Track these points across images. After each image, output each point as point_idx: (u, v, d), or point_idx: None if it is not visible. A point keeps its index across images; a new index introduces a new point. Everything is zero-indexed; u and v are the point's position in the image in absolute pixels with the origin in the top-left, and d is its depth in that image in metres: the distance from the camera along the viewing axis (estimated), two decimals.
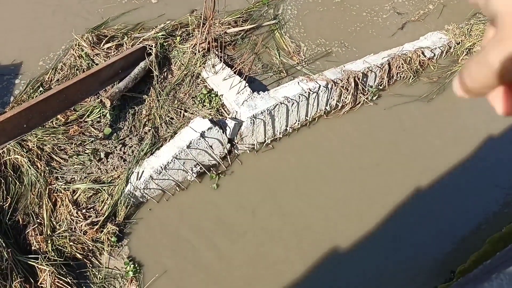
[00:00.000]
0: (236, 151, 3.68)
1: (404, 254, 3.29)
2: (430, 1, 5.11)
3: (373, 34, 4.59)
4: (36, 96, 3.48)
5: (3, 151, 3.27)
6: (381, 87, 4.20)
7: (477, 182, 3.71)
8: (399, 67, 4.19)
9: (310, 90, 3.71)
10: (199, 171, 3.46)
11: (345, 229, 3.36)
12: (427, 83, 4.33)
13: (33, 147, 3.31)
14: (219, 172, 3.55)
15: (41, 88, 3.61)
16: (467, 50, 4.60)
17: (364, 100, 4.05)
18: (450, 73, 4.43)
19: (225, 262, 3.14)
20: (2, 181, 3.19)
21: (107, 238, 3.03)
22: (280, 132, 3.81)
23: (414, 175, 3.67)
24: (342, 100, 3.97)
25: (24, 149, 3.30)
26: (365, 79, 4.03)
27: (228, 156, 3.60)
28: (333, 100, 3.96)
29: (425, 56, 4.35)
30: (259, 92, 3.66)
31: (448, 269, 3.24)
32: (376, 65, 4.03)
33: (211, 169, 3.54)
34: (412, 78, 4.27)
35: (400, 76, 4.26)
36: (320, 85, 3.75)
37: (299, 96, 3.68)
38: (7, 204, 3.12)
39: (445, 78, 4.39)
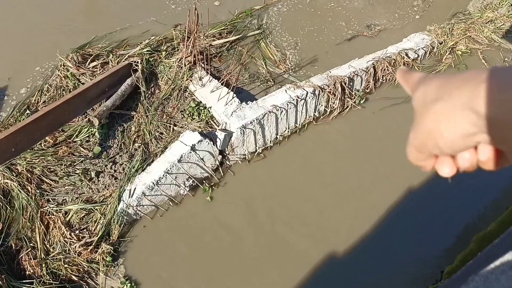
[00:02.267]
0: (228, 162, 3.68)
1: (398, 258, 3.29)
2: (409, 16, 5.19)
3: (322, 41, 4.63)
4: (23, 119, 3.45)
5: None
6: (367, 91, 4.23)
7: (468, 182, 3.73)
8: (384, 69, 4.23)
9: (298, 97, 3.73)
10: (192, 184, 3.45)
11: (336, 239, 3.36)
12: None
13: (23, 170, 3.27)
14: (212, 184, 3.54)
15: (28, 111, 3.59)
16: (450, 49, 4.67)
17: (351, 104, 4.07)
18: (435, 73, 4.48)
19: (220, 279, 3.12)
20: None
21: (102, 258, 3.00)
22: (270, 141, 3.82)
23: (407, 177, 3.69)
24: (330, 105, 4.00)
25: (13, 173, 3.26)
26: (351, 84, 4.06)
27: (220, 168, 3.59)
28: (321, 106, 3.98)
29: (409, 58, 4.40)
30: (248, 102, 3.67)
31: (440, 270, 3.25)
32: (361, 69, 4.06)
33: (204, 181, 3.53)
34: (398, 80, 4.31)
35: (386, 79, 4.31)
36: (307, 92, 3.77)
37: (288, 104, 3.70)
38: None
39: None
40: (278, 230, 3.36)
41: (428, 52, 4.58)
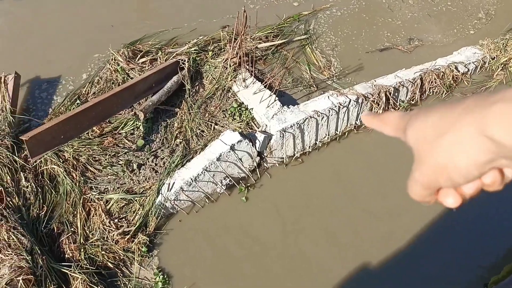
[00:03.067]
0: (265, 164, 3.69)
1: (439, 271, 3.19)
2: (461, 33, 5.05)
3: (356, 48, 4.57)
4: (73, 108, 3.60)
5: (41, 161, 3.38)
6: (413, 102, 4.14)
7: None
8: (431, 82, 4.13)
9: (341, 104, 3.70)
10: (229, 183, 3.49)
11: (372, 249, 3.29)
12: (461, 99, 4.22)
13: (69, 157, 3.41)
14: (249, 185, 3.56)
15: (78, 101, 3.74)
16: (502, 65, 4.49)
17: None
18: (485, 89, 4.33)
19: (251, 279, 3.12)
20: (39, 190, 3.30)
21: (138, 248, 3.07)
22: (309, 146, 3.81)
23: None
24: None
25: (60, 159, 3.41)
26: (396, 94, 3.99)
27: (257, 169, 3.61)
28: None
29: (458, 71, 4.28)
30: (289, 106, 3.68)
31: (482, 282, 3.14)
32: (408, 80, 3.99)
33: (241, 181, 3.56)
34: (445, 93, 4.20)
35: (433, 91, 4.20)
36: (350, 100, 3.73)
37: (329, 110, 3.68)
38: (43, 213, 3.21)
39: (479, 93, 4.29)
40: (306, 243, 3.32)
41: (478, 67, 4.43)
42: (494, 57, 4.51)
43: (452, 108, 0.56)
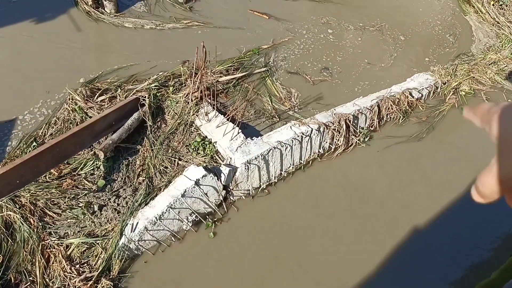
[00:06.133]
0: (231, 198, 3.66)
1: None
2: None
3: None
4: (30, 151, 3.48)
5: None
6: (372, 129, 4.26)
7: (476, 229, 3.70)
8: (388, 108, 4.27)
9: (303, 133, 3.75)
10: (195, 219, 3.42)
11: (346, 280, 3.29)
12: (416, 123, 4.40)
13: (26, 202, 3.26)
14: (215, 219, 3.51)
15: (34, 143, 3.61)
16: (454, 89, 4.72)
17: (356, 141, 4.09)
18: (438, 112, 4.52)
19: None
20: None
21: None
22: (275, 177, 3.81)
23: (412, 218, 3.66)
24: (335, 142, 4.01)
25: (16, 205, 3.25)
26: (356, 121, 4.09)
27: (223, 203, 3.57)
28: (326, 142, 4.00)
29: (413, 97, 4.45)
30: (253, 138, 3.69)
31: None
32: (366, 107, 4.10)
33: (207, 217, 3.50)
34: (402, 119, 4.35)
35: (390, 117, 4.34)
36: (312, 129, 3.79)
37: (292, 140, 3.72)
38: None
39: (433, 117, 4.47)
40: (275, 276, 3.30)
41: (431, 92, 4.63)
42: (445, 82, 4.73)
43: None
